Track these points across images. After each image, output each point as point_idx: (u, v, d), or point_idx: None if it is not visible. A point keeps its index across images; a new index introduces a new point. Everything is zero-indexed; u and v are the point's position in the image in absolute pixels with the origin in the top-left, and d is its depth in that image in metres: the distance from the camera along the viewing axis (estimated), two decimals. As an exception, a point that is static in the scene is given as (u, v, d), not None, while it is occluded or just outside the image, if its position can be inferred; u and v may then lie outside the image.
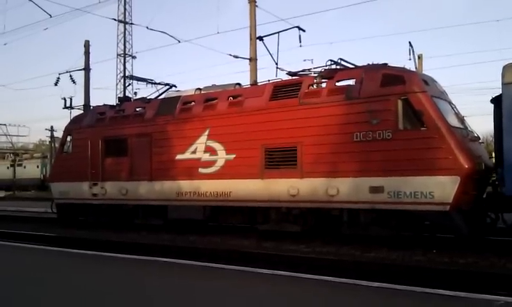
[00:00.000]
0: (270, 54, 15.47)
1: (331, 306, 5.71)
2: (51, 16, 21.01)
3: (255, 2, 21.95)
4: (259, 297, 6.01)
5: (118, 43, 39.92)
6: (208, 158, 13.76)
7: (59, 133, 44.10)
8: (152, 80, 17.23)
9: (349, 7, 71.72)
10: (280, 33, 15.92)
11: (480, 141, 12.31)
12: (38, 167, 54.39)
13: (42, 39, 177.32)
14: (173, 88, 16.72)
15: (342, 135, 11.53)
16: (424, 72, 17.02)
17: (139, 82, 18.03)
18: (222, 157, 13.49)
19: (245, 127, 13.05)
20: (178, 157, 14.39)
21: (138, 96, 17.70)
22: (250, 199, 12.92)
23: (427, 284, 6.51)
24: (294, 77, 13.38)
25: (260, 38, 16.74)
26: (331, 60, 12.87)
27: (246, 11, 22.15)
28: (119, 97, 21.45)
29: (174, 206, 14.51)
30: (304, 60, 29.16)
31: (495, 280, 7.71)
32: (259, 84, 14.70)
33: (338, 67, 12.83)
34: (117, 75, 39.74)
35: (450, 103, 11.72)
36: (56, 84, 33.21)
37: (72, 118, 21.06)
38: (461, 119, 11.51)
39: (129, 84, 37.14)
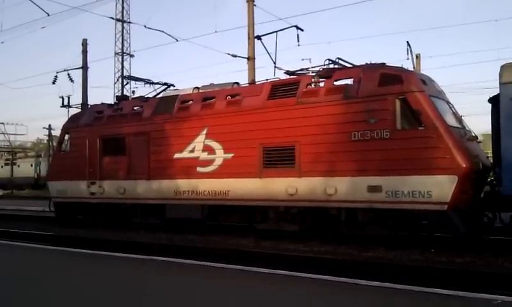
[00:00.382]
0: (268, 53, 15.52)
1: (329, 305, 5.72)
2: (49, 15, 21.07)
3: (253, 1, 21.91)
4: (258, 296, 6.02)
5: (116, 42, 39.97)
6: (206, 157, 13.76)
7: (57, 132, 44.19)
8: (149, 80, 17.20)
9: (347, 6, 71.84)
10: (278, 32, 15.96)
11: (478, 140, 12.33)
12: (32, 166, 54.23)
13: (40, 38, 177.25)
14: (171, 87, 16.72)
15: (340, 134, 11.53)
16: (422, 72, 17.07)
17: (137, 82, 17.95)
18: (220, 155, 13.48)
19: (243, 126, 13.05)
20: (176, 155, 14.38)
21: (136, 95, 17.67)
22: (248, 198, 12.92)
23: (425, 284, 6.54)
24: (292, 76, 13.37)
25: (258, 37, 16.76)
26: (329, 59, 12.91)
27: (244, 10, 22.14)
28: (117, 96, 21.38)
29: (172, 205, 14.49)
30: (303, 59, 29.08)
31: (493, 279, 7.74)
32: (257, 83, 14.67)
33: (336, 66, 12.85)
34: (115, 74, 39.74)
35: (447, 102, 11.75)
36: (53, 83, 33.31)
37: (69, 116, 21.04)
38: (459, 119, 11.55)
39: (127, 83, 37.07)
